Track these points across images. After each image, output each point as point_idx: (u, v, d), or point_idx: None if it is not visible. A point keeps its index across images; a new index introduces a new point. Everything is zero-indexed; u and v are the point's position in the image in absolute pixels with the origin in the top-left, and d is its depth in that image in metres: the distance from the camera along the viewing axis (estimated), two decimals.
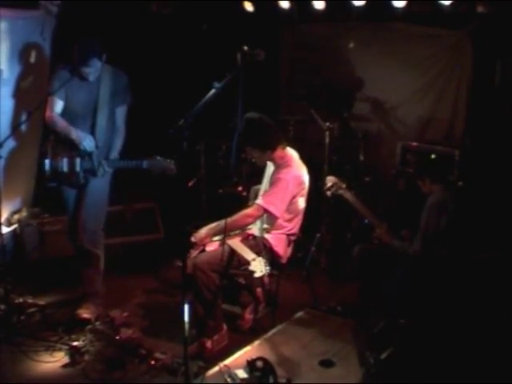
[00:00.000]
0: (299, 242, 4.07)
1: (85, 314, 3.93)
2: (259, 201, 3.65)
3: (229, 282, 3.81)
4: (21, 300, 4.13)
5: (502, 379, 3.05)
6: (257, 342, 3.45)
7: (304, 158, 3.91)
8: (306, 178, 3.80)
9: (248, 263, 3.40)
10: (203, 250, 3.69)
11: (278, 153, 3.77)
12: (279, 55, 6.36)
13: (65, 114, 3.90)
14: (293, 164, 3.76)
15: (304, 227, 3.95)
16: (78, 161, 3.86)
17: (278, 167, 3.77)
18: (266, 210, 3.62)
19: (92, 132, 3.88)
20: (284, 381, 2.98)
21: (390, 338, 3.24)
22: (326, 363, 3.21)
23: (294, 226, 3.81)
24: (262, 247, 3.66)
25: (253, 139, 3.72)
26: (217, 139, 5.60)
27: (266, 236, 3.74)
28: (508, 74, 4.99)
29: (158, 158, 3.88)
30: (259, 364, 2.99)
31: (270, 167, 3.92)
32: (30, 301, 4.16)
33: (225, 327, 3.67)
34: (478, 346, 3.20)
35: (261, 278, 3.49)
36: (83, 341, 3.65)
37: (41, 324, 3.93)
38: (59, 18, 4.68)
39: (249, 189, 4.41)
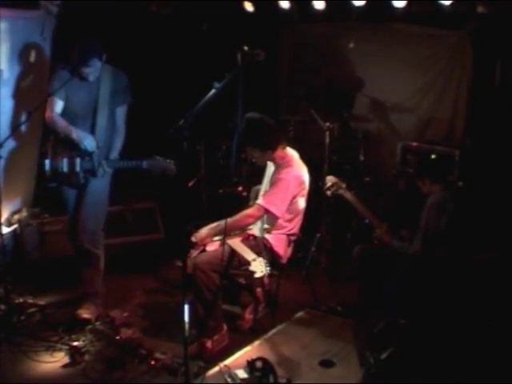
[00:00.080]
0: (299, 242, 4.07)
1: (85, 314, 3.93)
2: (260, 201, 3.65)
3: (229, 282, 3.80)
4: (21, 300, 4.13)
5: (502, 379, 3.05)
6: (257, 342, 3.45)
7: (304, 158, 3.90)
8: (306, 177, 3.80)
9: (248, 263, 3.40)
10: (203, 250, 3.69)
11: (279, 153, 3.77)
12: (279, 55, 6.36)
13: (65, 114, 3.90)
14: (293, 164, 3.76)
15: (304, 227, 3.95)
16: (77, 161, 3.86)
17: (279, 167, 3.77)
18: (266, 210, 3.63)
19: (92, 132, 3.88)
20: (284, 381, 2.98)
21: (390, 338, 3.24)
22: (326, 363, 3.21)
23: (295, 226, 3.81)
24: (262, 247, 3.66)
25: (253, 139, 3.72)
26: (217, 139, 5.59)
27: (267, 236, 3.74)
28: (508, 73, 5.00)
29: (158, 157, 3.88)
30: (259, 364, 2.99)
31: (270, 167, 3.92)
32: (30, 301, 4.16)
33: (225, 327, 3.67)
34: (478, 345, 3.20)
35: (261, 278, 3.49)
36: (83, 341, 3.65)
37: (41, 324, 3.93)
38: (59, 18, 4.68)
39: (249, 189, 4.41)
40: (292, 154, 3.86)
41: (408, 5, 5.06)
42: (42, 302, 4.18)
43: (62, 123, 3.86)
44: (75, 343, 3.58)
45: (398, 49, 5.57)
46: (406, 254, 3.63)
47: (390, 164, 5.46)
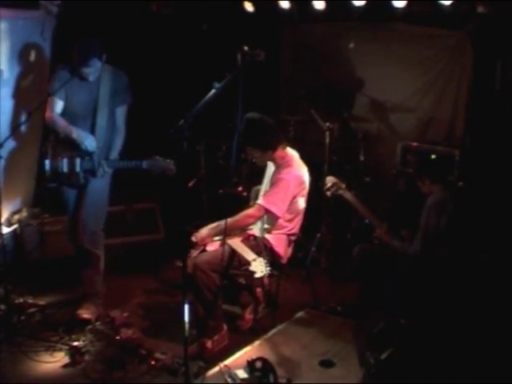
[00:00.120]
0: (299, 242, 4.07)
1: (85, 314, 3.93)
2: (260, 201, 3.65)
3: (229, 282, 3.80)
4: (21, 300, 4.13)
5: (502, 379, 3.05)
6: (257, 342, 3.46)
7: (304, 158, 3.90)
8: (306, 177, 3.80)
9: (248, 263, 3.40)
10: (204, 250, 3.69)
11: (279, 153, 3.77)
12: (279, 55, 6.36)
13: (65, 114, 3.90)
14: (293, 164, 3.76)
15: (304, 227, 3.95)
16: (78, 161, 3.86)
17: (279, 167, 3.77)
18: (267, 210, 3.63)
19: (92, 132, 3.87)
20: (284, 381, 2.98)
21: (390, 338, 3.24)
22: (326, 363, 3.21)
23: (295, 226, 3.81)
24: (262, 247, 3.66)
25: (254, 139, 3.72)
26: (217, 139, 5.59)
27: (267, 236, 3.74)
28: (508, 74, 5.00)
29: (158, 158, 3.88)
30: (259, 364, 3.00)
31: (270, 167, 3.92)
32: (30, 301, 4.16)
33: (225, 327, 3.67)
34: (478, 346, 3.20)
35: (261, 278, 3.49)
36: (83, 341, 3.65)
37: (41, 324, 3.93)
38: (59, 18, 4.68)
39: (249, 189, 4.41)
40: (292, 153, 3.86)
41: (408, 5, 5.06)
42: (42, 302, 4.18)
43: (62, 123, 3.86)
44: (75, 343, 3.57)
45: (398, 49, 5.57)
46: (405, 254, 3.63)
47: (389, 164, 5.45)
